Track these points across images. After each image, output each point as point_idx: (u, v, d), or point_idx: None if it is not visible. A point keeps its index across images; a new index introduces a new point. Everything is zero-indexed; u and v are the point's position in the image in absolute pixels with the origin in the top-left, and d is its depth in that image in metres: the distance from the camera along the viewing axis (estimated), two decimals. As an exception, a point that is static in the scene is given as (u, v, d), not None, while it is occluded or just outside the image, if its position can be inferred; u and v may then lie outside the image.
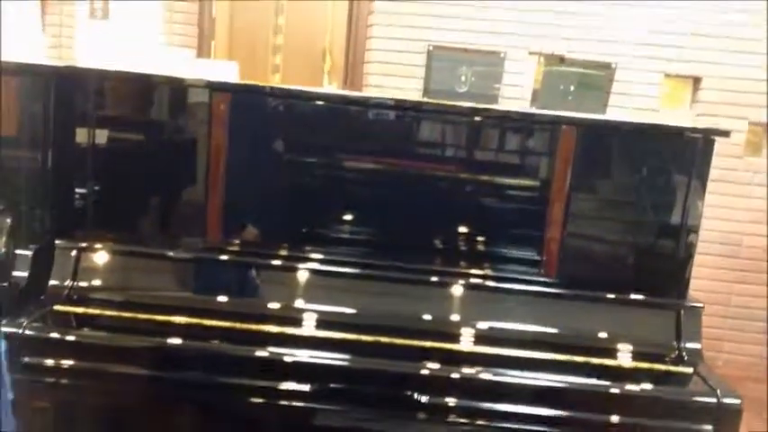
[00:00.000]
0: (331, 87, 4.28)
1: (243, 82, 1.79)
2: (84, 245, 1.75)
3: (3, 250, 1.72)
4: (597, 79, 2.53)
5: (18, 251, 1.73)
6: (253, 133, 1.80)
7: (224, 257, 1.78)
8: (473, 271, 1.81)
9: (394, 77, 4.02)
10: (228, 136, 1.79)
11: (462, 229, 1.83)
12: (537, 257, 1.81)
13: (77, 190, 1.80)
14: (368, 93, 1.77)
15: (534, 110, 2.04)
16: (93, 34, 4.35)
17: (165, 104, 1.82)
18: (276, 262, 1.78)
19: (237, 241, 1.82)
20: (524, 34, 2.96)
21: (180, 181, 1.83)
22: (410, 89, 3.79)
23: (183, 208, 1.84)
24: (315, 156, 1.82)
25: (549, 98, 2.48)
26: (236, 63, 2.22)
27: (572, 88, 2.50)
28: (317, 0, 4.20)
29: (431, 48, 2.72)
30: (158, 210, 1.85)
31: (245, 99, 1.79)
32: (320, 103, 1.78)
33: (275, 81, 4.22)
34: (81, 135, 1.78)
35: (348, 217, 1.82)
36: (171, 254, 1.76)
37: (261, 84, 1.79)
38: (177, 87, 1.79)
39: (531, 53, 2.89)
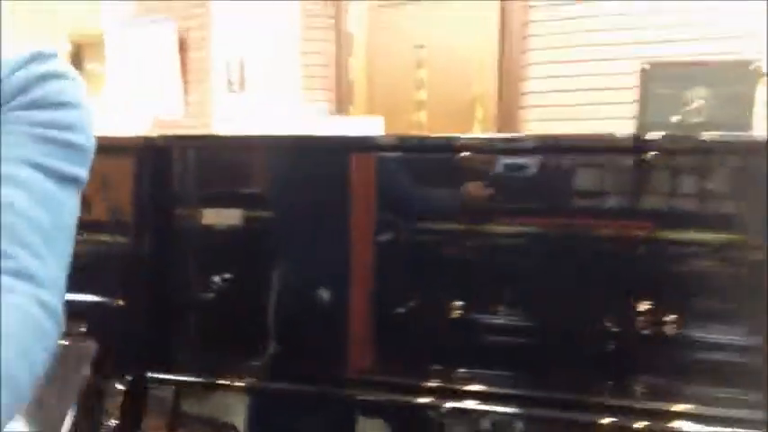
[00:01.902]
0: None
1: (398, 134, 1.24)
2: (186, 378, 1.27)
3: (85, 386, 1.28)
4: None
5: (105, 386, 1.29)
6: (412, 209, 1.25)
7: (365, 395, 1.22)
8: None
9: (556, 122, 3.40)
10: (377, 215, 1.25)
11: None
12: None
13: (182, 301, 1.34)
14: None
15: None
16: (230, 107, 4.20)
17: (294, 176, 1.32)
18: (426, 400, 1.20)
19: (385, 370, 1.25)
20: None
21: (313, 284, 1.31)
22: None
23: (318, 324, 1.31)
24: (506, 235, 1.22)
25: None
26: (381, 118, 1.72)
27: None
28: (461, 47, 3.74)
29: (647, 66, 2.04)
30: (286, 327, 1.33)
31: (401, 160, 1.24)
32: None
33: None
34: (186, 226, 1.33)
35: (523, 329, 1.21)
36: (290, 389, 1.24)
37: (428, 135, 1.24)
38: (307, 150, 1.29)
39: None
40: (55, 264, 0.52)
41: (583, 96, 3.03)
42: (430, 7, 3.77)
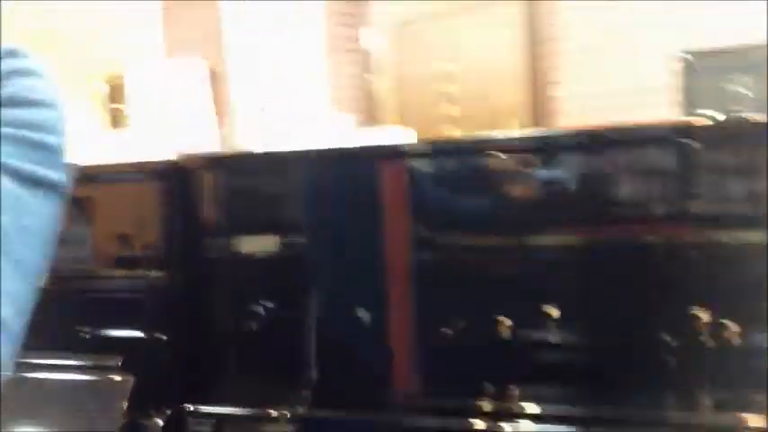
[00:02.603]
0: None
1: (430, 139, 1.19)
2: (226, 410, 1.22)
3: (123, 421, 1.24)
4: None
5: (143, 421, 1.25)
6: (449, 221, 1.19)
7: (414, 420, 1.15)
8: None
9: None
10: (415, 230, 1.19)
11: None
12: None
13: (220, 330, 1.29)
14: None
15: None
16: (260, 135, 4.22)
17: (326, 193, 1.27)
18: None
19: (433, 393, 1.18)
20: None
21: (353, 307, 1.25)
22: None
23: (360, 349, 1.25)
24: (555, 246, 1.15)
25: None
26: (412, 130, 1.67)
27: None
28: (490, 59, 3.69)
29: (689, 56, 1.92)
30: (327, 353, 1.27)
31: (435, 168, 1.18)
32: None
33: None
34: (216, 251, 1.29)
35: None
36: (335, 417, 1.18)
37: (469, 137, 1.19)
38: (337, 161, 1.24)
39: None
40: (12, 272, 0.46)
41: (619, 100, 2.93)
42: (458, 22, 3.73)
